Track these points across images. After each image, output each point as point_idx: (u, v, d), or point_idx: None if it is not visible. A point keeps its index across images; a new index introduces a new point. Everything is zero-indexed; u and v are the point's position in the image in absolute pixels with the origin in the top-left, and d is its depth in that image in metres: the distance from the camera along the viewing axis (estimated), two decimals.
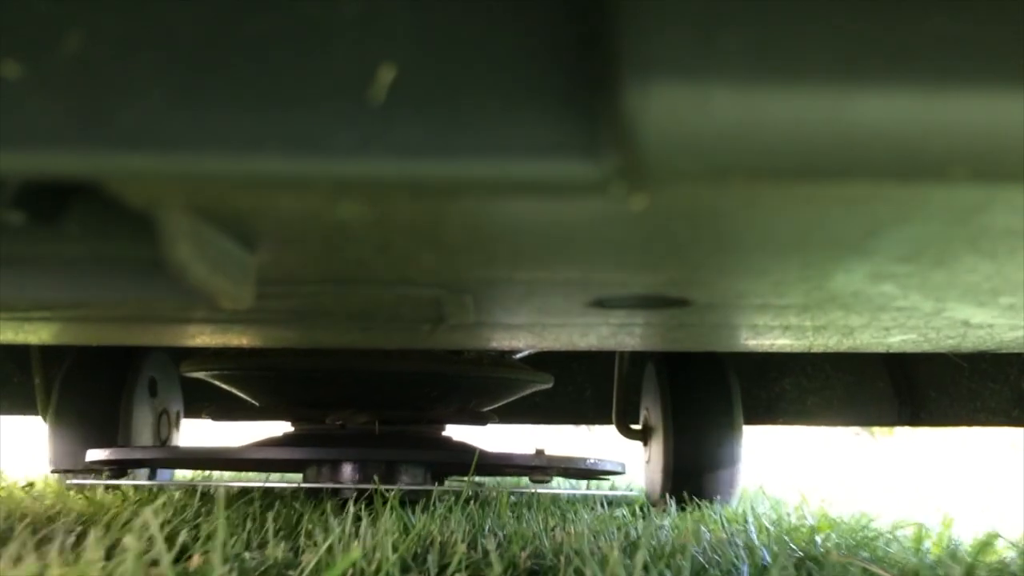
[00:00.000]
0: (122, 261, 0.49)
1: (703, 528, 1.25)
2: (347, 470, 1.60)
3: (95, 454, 1.70)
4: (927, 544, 1.17)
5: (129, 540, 0.68)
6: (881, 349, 1.03)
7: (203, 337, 1.07)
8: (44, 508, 1.31)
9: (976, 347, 0.98)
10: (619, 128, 0.35)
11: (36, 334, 1.04)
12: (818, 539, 1.16)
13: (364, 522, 1.01)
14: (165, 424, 2.07)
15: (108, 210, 0.45)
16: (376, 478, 1.50)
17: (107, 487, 1.65)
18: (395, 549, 0.85)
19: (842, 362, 2.14)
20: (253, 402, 1.88)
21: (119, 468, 1.75)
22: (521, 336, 1.00)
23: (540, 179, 0.37)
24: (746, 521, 1.32)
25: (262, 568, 0.83)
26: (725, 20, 0.33)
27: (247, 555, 0.84)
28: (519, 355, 1.83)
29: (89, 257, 0.49)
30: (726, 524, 1.34)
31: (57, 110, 0.36)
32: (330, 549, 0.87)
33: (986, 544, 1.09)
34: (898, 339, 0.94)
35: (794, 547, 1.07)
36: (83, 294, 0.51)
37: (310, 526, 1.09)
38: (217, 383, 1.82)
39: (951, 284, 0.66)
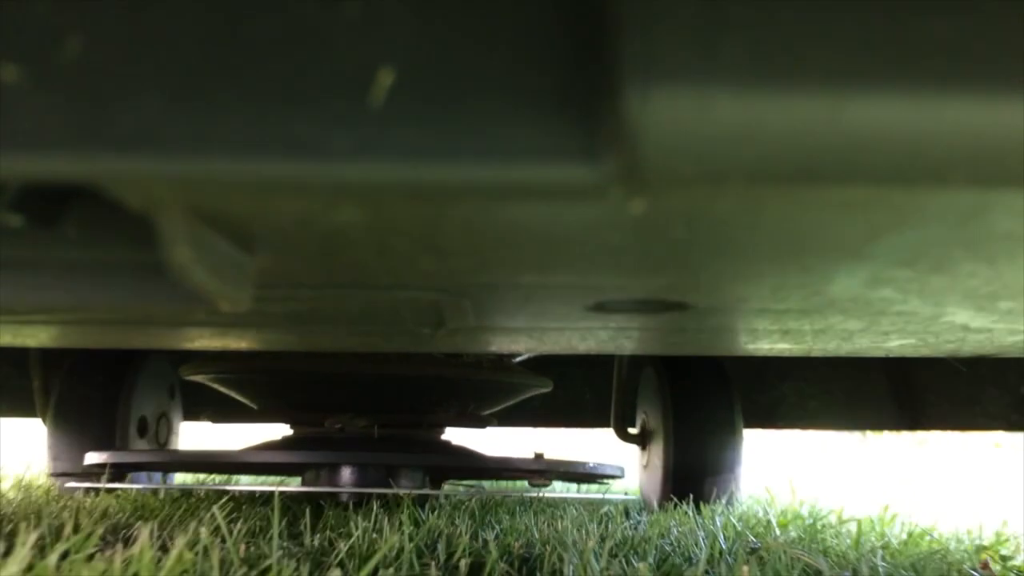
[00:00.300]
0: (121, 264, 0.49)
1: (674, 522, 1.37)
2: (346, 474, 1.60)
3: (94, 457, 1.70)
4: (871, 536, 1.33)
5: (204, 532, 0.83)
6: (880, 354, 1.03)
7: (202, 340, 1.07)
8: (90, 507, 1.38)
9: (975, 351, 0.98)
10: (619, 132, 0.35)
11: (34, 337, 1.04)
12: (777, 532, 1.29)
13: (385, 519, 1.18)
14: (164, 428, 2.07)
15: (107, 213, 0.45)
16: (390, 481, 1.53)
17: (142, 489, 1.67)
18: (411, 539, 0.99)
19: (842, 366, 2.14)
20: (252, 405, 1.88)
21: (120, 471, 1.75)
22: (520, 340, 1.00)
23: (539, 183, 0.37)
24: (715, 517, 1.41)
25: (302, 553, 0.98)
26: (725, 25, 0.33)
27: (288, 544, 1.00)
28: (518, 359, 1.83)
29: (88, 260, 0.49)
30: (697, 519, 1.43)
31: (57, 113, 0.36)
32: (360, 538, 1.02)
33: (913, 537, 1.28)
34: (897, 343, 0.94)
35: (753, 539, 1.20)
36: (82, 297, 0.51)
37: (333, 522, 1.26)
38: (216, 386, 1.82)
39: (950, 289, 0.66)
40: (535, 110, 0.36)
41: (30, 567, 0.73)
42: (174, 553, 0.75)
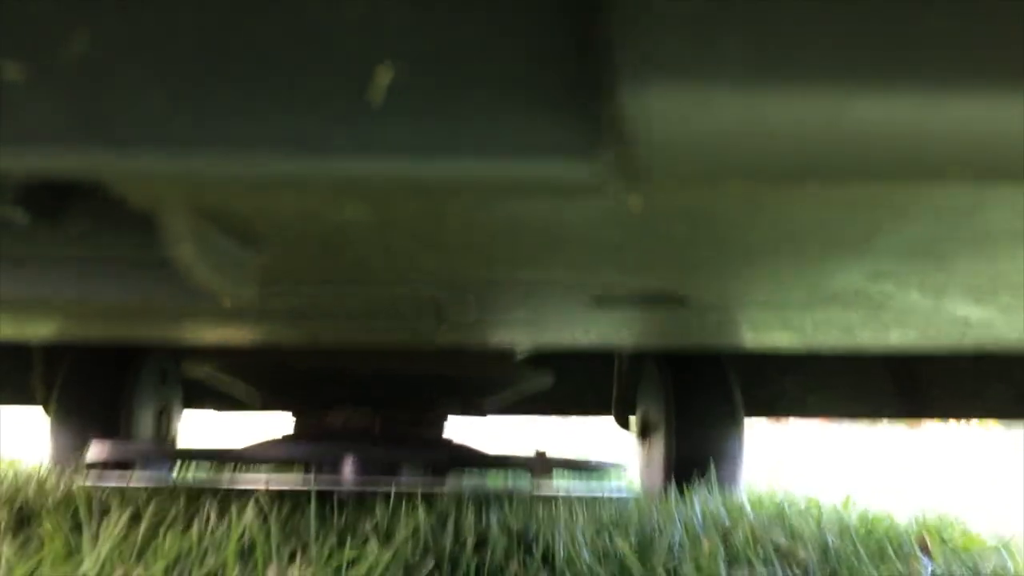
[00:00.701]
0: (124, 260, 0.49)
1: (655, 507, 1.48)
2: (348, 467, 1.60)
3: (99, 450, 1.70)
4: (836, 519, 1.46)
5: (251, 511, 0.97)
6: (881, 347, 1.03)
7: (205, 334, 1.07)
8: (130, 494, 1.44)
9: (975, 346, 0.98)
10: (617, 129, 0.35)
11: (36, 330, 1.04)
12: (750, 514, 1.40)
13: (402, 504, 1.34)
14: (166, 420, 2.07)
15: (110, 210, 0.46)
16: (397, 475, 1.58)
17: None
18: (426, 518, 1.16)
19: (845, 356, 2.14)
20: (255, 398, 1.88)
21: (125, 463, 1.75)
22: (521, 334, 1.00)
23: (539, 179, 0.37)
24: (694, 502, 1.52)
25: (332, 529, 1.13)
26: (723, 23, 0.33)
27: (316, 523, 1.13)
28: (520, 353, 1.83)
29: (91, 256, 0.50)
30: (680, 504, 1.54)
31: (60, 111, 0.36)
32: (383, 518, 1.19)
33: (868, 520, 1.44)
34: (898, 337, 0.94)
35: (727, 521, 1.32)
36: (85, 293, 0.51)
37: (352, 506, 1.42)
38: (220, 379, 1.82)
39: (950, 283, 0.67)
40: (534, 107, 0.36)
41: (123, 538, 0.88)
42: (238, 527, 0.88)
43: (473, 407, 1.84)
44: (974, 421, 2.03)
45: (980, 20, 0.34)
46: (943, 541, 1.36)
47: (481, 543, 1.10)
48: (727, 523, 1.29)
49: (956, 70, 0.34)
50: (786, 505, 1.60)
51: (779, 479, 2.16)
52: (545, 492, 1.73)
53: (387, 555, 0.92)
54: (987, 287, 0.67)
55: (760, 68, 0.34)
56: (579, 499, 1.58)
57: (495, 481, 2.17)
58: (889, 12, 0.34)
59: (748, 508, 1.47)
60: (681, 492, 1.69)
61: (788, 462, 3.43)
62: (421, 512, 1.16)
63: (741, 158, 0.36)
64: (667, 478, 1.88)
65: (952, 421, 2.12)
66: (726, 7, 0.33)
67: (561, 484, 2.06)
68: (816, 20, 0.34)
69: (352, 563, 0.91)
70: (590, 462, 1.75)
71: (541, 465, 1.65)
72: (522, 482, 1.90)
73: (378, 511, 1.25)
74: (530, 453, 1.68)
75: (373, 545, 0.93)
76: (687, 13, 0.33)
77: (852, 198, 0.46)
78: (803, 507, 1.60)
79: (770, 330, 0.93)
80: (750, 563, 1.05)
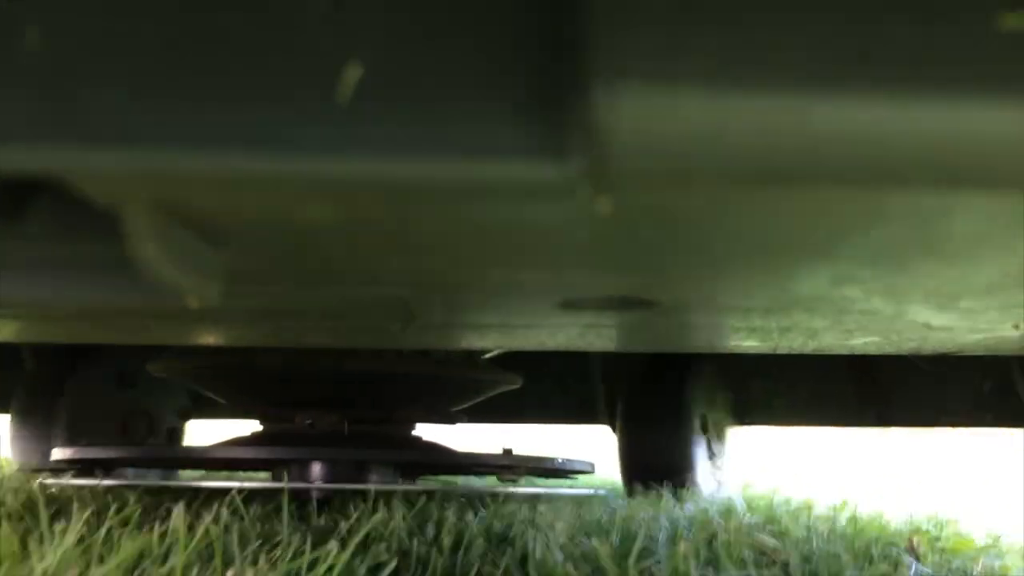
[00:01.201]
0: (86, 260, 0.49)
1: (642, 507, 1.51)
2: (316, 469, 1.59)
3: (62, 453, 1.68)
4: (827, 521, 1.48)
5: (225, 512, 1.01)
6: (844, 351, 1.04)
7: (170, 335, 1.06)
8: (86, 497, 1.44)
9: (937, 350, 0.99)
10: (586, 131, 0.35)
11: None
12: (741, 516, 1.42)
13: (381, 503, 1.34)
14: (133, 423, 2.05)
15: (72, 208, 0.45)
16: (369, 477, 1.58)
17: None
18: (404, 519, 1.16)
19: (808, 365, 2.16)
20: (221, 401, 1.86)
21: (86, 467, 1.73)
22: (490, 336, 1.00)
23: (507, 181, 0.37)
24: (684, 503, 1.54)
25: (307, 529, 1.15)
26: (694, 25, 0.34)
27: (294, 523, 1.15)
28: (488, 355, 1.83)
29: (53, 256, 0.49)
30: (667, 505, 1.56)
31: (19, 105, 0.35)
32: (359, 519, 1.19)
33: (860, 522, 1.46)
34: (861, 341, 0.95)
35: (719, 521, 1.33)
36: (46, 294, 0.50)
37: (337, 504, 1.45)
38: (185, 382, 1.80)
39: (912, 288, 0.67)
40: (503, 108, 0.36)
41: (81, 539, 0.87)
42: (201, 528, 0.88)
43: (442, 412, 1.84)
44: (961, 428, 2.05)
45: (944, 26, 0.35)
46: (934, 541, 1.37)
47: (455, 543, 1.10)
48: (718, 523, 1.29)
49: (922, 76, 0.35)
50: (776, 505, 1.61)
51: (777, 482, 2.17)
52: (515, 491, 1.73)
53: (345, 555, 0.91)
54: (949, 292, 0.68)
55: (730, 71, 0.34)
56: (548, 498, 1.58)
57: (466, 481, 2.17)
58: (857, 17, 0.34)
59: (740, 509, 1.48)
60: (675, 494, 1.70)
61: (788, 466, 3.46)
62: (388, 512, 1.15)
63: (710, 161, 0.36)
64: (626, 479, 1.89)
65: (917, 428, 2.14)
66: (697, 10, 0.34)
67: (531, 483, 2.06)
68: (787, 24, 0.34)
69: (314, 564, 0.90)
70: (559, 461, 1.75)
71: (511, 464, 1.64)
72: (492, 481, 1.90)
73: (346, 511, 1.24)
74: (498, 452, 1.68)
75: (335, 545, 0.93)
76: (658, 15, 0.33)
77: (819, 203, 0.46)
78: (795, 509, 1.61)
79: (736, 333, 0.94)
80: (732, 565, 1.05)
